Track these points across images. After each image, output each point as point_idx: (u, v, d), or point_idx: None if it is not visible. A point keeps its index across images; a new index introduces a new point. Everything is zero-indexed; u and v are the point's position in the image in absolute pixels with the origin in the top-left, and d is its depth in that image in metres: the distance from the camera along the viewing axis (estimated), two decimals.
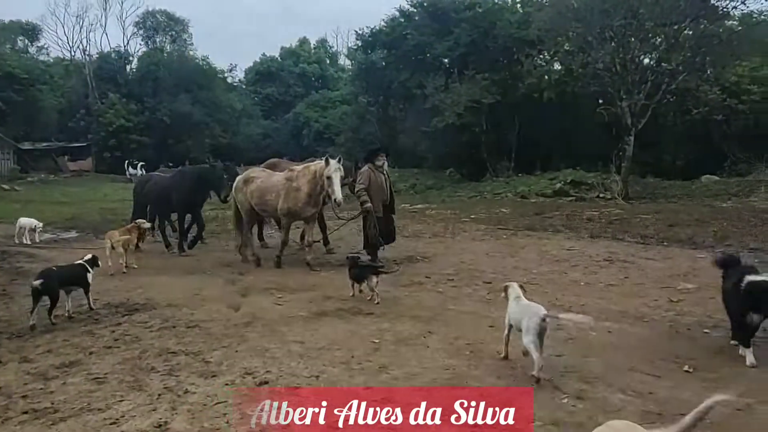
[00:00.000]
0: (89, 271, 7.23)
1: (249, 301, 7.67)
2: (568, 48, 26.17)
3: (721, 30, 23.46)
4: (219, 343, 5.93)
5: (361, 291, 7.72)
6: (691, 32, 23.10)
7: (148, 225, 11.00)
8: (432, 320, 6.66)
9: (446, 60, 32.40)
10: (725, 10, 23.05)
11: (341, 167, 9.42)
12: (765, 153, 23.92)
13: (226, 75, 52.52)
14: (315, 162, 9.91)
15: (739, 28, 24.01)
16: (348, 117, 39.91)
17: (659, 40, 23.40)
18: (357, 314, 6.94)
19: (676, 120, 28.00)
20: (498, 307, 7.15)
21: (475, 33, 29.72)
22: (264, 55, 55.33)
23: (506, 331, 5.28)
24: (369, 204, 9.92)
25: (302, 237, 11.33)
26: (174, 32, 50.81)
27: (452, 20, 30.99)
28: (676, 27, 22.56)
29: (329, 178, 9.33)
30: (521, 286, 5.49)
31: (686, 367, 5.03)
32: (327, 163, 9.37)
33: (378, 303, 7.35)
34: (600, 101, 27.75)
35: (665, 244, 11.58)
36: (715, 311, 6.71)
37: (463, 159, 31.17)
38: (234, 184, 10.81)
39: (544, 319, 4.79)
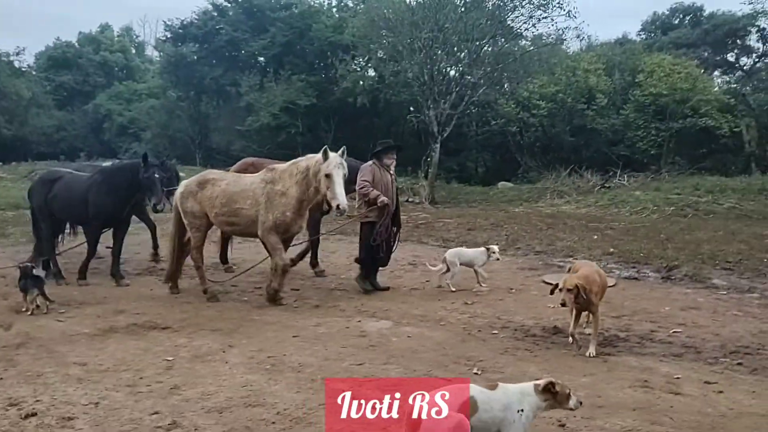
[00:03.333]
0: None
1: (24, 318, 6.78)
2: (381, 56, 27.04)
3: (516, 49, 25.74)
4: None
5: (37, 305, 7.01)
6: (490, 49, 25.01)
7: None
8: (234, 332, 6.37)
9: (262, 59, 31.96)
10: (519, 31, 25.30)
11: (344, 164, 7.30)
12: (552, 162, 26.66)
13: (11, 58, 46.77)
14: (306, 157, 7.61)
15: (531, 48, 26.50)
16: (156, 111, 37.62)
17: (463, 54, 25.02)
18: (151, 329, 6.43)
19: (478, 130, 30.21)
20: (304, 315, 7.09)
21: (291, 33, 29.61)
22: (58, 39, 50.16)
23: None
24: (384, 198, 8.13)
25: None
26: None
27: (268, 18, 30.63)
28: (477, 43, 24.28)
29: (328, 176, 7.14)
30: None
31: (475, 369, 5.29)
32: (326, 156, 7.15)
33: (46, 313, 6.94)
34: (411, 109, 29.05)
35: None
36: (503, 312, 7.21)
37: (279, 160, 30.93)
38: (181, 189, 8.08)
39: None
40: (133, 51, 55.57)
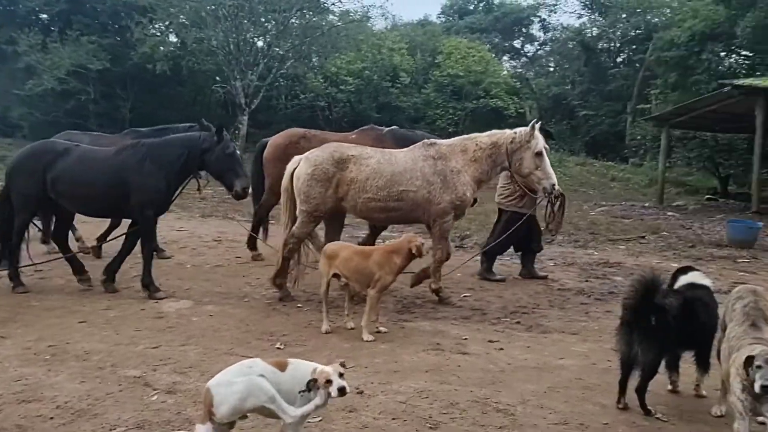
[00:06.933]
0: None
1: None
2: (182, 21, 25.55)
3: (323, 23, 25.83)
4: None
5: None
6: (297, 22, 24.83)
7: None
8: (8, 322, 5.68)
9: (44, 16, 28.58)
10: (326, 5, 25.43)
11: None
12: None
13: None
14: (488, 133, 6.74)
15: (339, 23, 26.78)
16: None
17: (270, 25, 24.56)
18: None
19: (287, 103, 29.92)
20: (93, 299, 6.53)
21: None
22: None
23: None
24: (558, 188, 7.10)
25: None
26: None
27: None
28: (285, 14, 23.97)
29: (539, 154, 6.49)
30: None
31: (278, 344, 5.27)
32: (533, 132, 6.46)
33: None
34: (217, 78, 27.92)
35: (272, 222, 12.17)
36: (307, 286, 7.24)
37: (68, 129, 28.12)
38: (308, 169, 6.37)
39: None
40: None
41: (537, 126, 6.61)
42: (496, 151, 6.58)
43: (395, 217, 6.88)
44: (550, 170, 6.59)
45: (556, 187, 6.67)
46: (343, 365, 3.33)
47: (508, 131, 6.71)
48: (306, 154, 6.66)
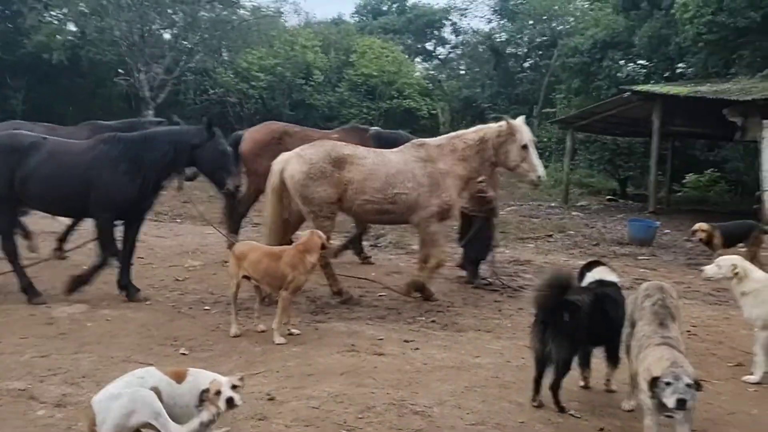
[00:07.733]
0: None
1: None
2: (82, 9, 24.13)
3: (234, 17, 25.16)
4: None
5: None
6: (207, 15, 24.04)
7: None
8: None
9: None
10: None
11: None
12: None
13: None
14: (474, 129, 6.72)
15: (250, 18, 26.16)
16: None
17: (178, 17, 23.65)
18: None
19: (196, 98, 28.88)
20: None
21: None
22: None
23: None
24: None
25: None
26: None
27: None
28: (194, 6, 23.17)
29: (525, 147, 6.42)
30: None
31: (183, 350, 4.95)
32: (513, 125, 6.45)
33: None
34: (120, 71, 26.58)
35: (178, 221, 11.67)
36: (215, 287, 6.91)
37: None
38: (302, 168, 6.13)
39: None
40: None
41: (522, 119, 6.68)
42: (484, 146, 6.53)
43: (388, 220, 6.86)
44: (537, 162, 6.57)
45: (543, 178, 6.67)
46: (241, 379, 3.11)
47: (493, 125, 6.69)
48: (297, 151, 6.38)
